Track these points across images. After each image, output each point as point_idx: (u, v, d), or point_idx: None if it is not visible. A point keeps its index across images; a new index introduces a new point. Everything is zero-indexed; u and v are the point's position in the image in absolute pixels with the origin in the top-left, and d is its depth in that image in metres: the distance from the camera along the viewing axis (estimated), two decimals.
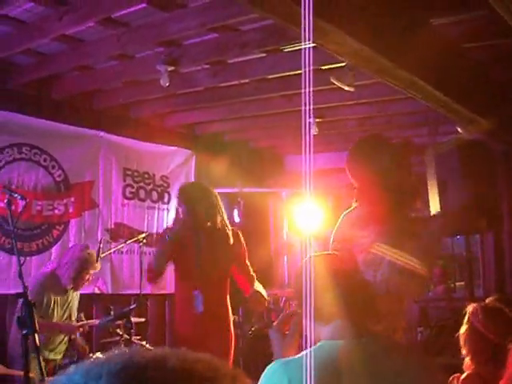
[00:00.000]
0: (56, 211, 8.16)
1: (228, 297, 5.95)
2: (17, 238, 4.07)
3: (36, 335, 3.72)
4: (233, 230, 6.11)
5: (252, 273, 6.12)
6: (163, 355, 0.92)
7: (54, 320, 6.70)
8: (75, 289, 6.94)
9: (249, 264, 6.11)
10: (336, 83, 6.43)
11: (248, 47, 6.44)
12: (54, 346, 6.78)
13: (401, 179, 4.25)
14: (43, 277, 6.83)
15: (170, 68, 6.75)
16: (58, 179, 8.22)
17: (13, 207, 4.59)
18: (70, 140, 8.37)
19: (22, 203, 7.21)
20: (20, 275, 3.95)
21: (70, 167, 8.34)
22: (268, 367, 2.50)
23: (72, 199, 8.32)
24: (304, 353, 2.45)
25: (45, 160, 8.11)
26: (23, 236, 7.74)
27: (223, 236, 5.92)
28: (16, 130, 7.89)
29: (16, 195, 4.19)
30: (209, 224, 5.81)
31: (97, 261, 7.22)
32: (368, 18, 4.57)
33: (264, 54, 6.96)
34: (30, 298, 6.03)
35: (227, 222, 6.07)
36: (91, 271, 6.92)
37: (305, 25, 2.98)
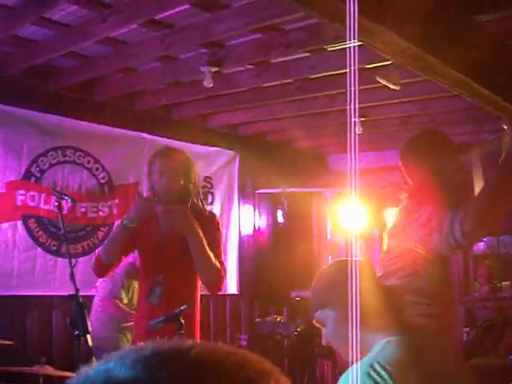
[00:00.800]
0: (100, 213, 8.21)
1: (198, 292, 4.96)
2: (67, 241, 4.06)
3: (88, 336, 3.74)
4: (210, 213, 5.19)
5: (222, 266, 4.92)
6: (189, 346, 0.96)
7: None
8: None
9: (222, 257, 4.98)
10: (382, 82, 6.37)
11: (292, 47, 6.40)
12: None
13: (456, 177, 4.19)
14: (129, 263, 6.88)
15: (214, 69, 6.75)
16: (102, 181, 8.27)
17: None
18: (113, 142, 8.43)
19: (67, 205, 7.34)
20: (72, 277, 3.97)
21: (114, 169, 8.39)
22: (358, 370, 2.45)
23: (116, 201, 8.36)
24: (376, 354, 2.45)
25: (88, 162, 8.17)
26: (68, 238, 7.75)
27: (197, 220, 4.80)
28: (60, 133, 7.95)
29: (66, 197, 4.19)
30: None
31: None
32: (414, 16, 4.51)
33: (307, 54, 6.92)
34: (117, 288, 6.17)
35: (204, 203, 5.22)
36: None
37: (350, 24, 2.93)
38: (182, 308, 4.64)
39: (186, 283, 4.84)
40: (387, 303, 2.69)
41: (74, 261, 7.73)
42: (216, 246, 4.87)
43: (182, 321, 4.25)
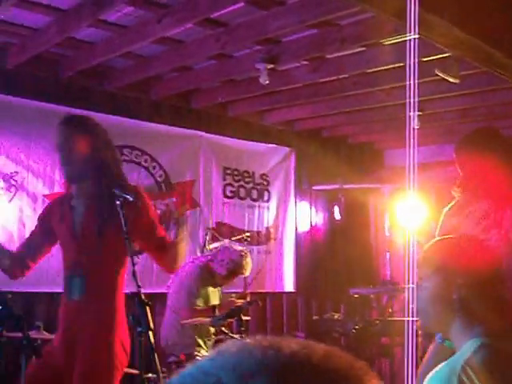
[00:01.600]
0: (158, 211, 8.25)
1: (122, 281, 4.62)
2: (129, 239, 4.08)
3: (150, 333, 3.76)
4: (135, 187, 4.83)
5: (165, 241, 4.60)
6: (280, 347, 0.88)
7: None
8: (221, 285, 7.21)
9: (160, 232, 4.60)
10: (441, 75, 6.29)
11: (347, 42, 6.37)
12: None
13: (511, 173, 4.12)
14: (199, 267, 7.01)
15: (270, 66, 6.74)
16: (159, 179, 8.34)
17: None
18: (169, 140, 8.49)
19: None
20: (134, 274, 3.98)
21: (171, 167, 8.45)
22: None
23: (173, 199, 8.41)
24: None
25: (146, 161, 8.24)
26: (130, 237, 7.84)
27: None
28: (117, 133, 7.96)
29: (127, 196, 4.20)
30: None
31: (202, 252, 7.35)
32: (473, 9, 4.45)
33: (363, 48, 6.87)
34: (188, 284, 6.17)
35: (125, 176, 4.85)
36: (240, 275, 7.15)
37: (410, 18, 2.90)
38: (244, 304, 4.66)
39: (108, 272, 4.51)
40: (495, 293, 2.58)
41: (135, 259, 7.86)
42: (155, 225, 4.58)
43: (243, 317, 4.24)
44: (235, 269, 6.93)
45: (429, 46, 4.84)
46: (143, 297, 3.84)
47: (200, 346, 6.90)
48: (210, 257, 7.15)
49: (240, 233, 8.48)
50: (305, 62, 7.40)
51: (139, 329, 3.73)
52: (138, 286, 3.88)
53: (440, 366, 2.49)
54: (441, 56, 6.18)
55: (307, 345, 0.89)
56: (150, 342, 3.71)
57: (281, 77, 7.52)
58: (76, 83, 7.78)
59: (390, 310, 8.74)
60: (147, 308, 3.79)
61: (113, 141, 7.84)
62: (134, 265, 3.98)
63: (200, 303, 6.89)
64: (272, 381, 0.82)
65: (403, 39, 5.77)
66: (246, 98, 8.57)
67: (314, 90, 8.13)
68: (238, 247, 7.28)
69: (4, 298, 3.16)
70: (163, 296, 7.31)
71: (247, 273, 7.10)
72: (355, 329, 8.45)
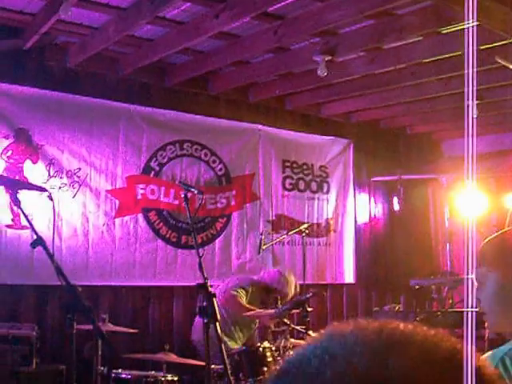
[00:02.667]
0: (218, 204, 8.35)
1: None
2: (195, 231, 4.15)
3: (217, 324, 3.81)
4: None
5: None
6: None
7: None
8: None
9: None
10: (501, 62, 6.22)
11: (405, 31, 6.34)
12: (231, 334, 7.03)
13: None
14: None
15: (327, 57, 6.74)
16: (219, 173, 8.42)
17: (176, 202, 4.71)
18: (228, 134, 8.57)
19: (198, 197, 7.52)
20: (200, 266, 4.04)
21: (230, 161, 8.53)
22: None
23: (233, 192, 8.49)
24: None
25: (205, 155, 8.33)
26: (188, 229, 7.96)
27: None
28: (177, 127, 8.14)
29: (192, 189, 4.27)
30: None
31: (259, 253, 7.36)
32: None
33: (421, 38, 6.83)
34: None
35: None
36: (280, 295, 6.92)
37: (469, 4, 2.87)
38: (308, 296, 4.69)
39: None
40: None
41: (201, 250, 7.97)
42: None
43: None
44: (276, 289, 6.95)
45: (487, 33, 4.80)
46: (210, 288, 3.89)
47: (233, 338, 6.94)
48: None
49: (299, 225, 8.50)
50: (362, 53, 7.38)
51: (206, 320, 3.78)
52: (205, 278, 3.93)
53: (487, 353, 2.45)
54: (501, 43, 6.12)
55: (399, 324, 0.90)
56: (217, 333, 3.75)
57: (338, 68, 7.51)
58: (136, 80, 7.90)
59: (451, 301, 8.68)
60: (214, 299, 3.84)
61: (173, 135, 8.00)
62: (199, 257, 4.04)
63: (241, 294, 6.97)
64: (375, 360, 0.82)
65: (462, 27, 5.76)
66: (304, 90, 8.58)
67: (372, 81, 8.11)
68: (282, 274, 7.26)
69: (74, 290, 3.24)
70: None
71: (290, 293, 6.99)
72: (416, 320, 8.40)
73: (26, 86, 7.25)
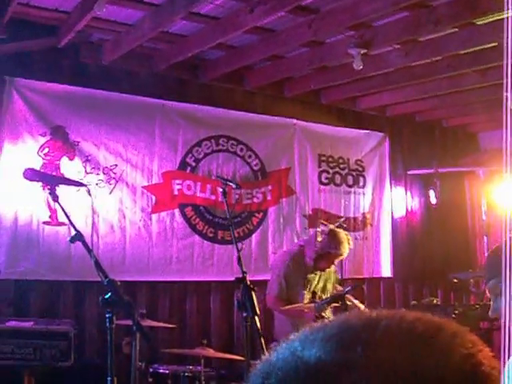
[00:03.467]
0: (255, 199, 8.35)
1: None
2: (233, 225, 4.14)
3: (256, 318, 3.80)
4: None
5: None
6: (377, 316, 0.89)
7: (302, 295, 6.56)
8: (314, 271, 6.57)
9: None
10: None
11: (441, 23, 6.27)
12: None
13: None
14: (289, 254, 6.71)
15: (363, 51, 6.70)
16: (255, 168, 8.42)
17: (212, 197, 4.70)
18: (264, 129, 8.56)
19: (234, 192, 7.55)
20: (239, 260, 4.04)
21: (266, 156, 8.52)
22: None
23: (269, 187, 8.49)
24: None
25: (241, 150, 8.33)
26: (224, 225, 7.99)
27: None
28: (212, 123, 8.15)
29: (231, 183, 4.27)
30: None
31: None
32: None
33: (456, 29, 6.76)
34: (278, 273, 6.20)
35: None
36: (335, 257, 6.50)
37: None
38: (347, 289, 4.66)
39: None
40: None
41: (229, 246, 7.99)
42: None
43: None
44: (324, 251, 6.38)
45: None
46: (249, 282, 3.88)
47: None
48: (302, 242, 6.87)
49: (336, 219, 8.48)
50: (397, 46, 7.32)
51: (245, 314, 3.78)
52: (244, 272, 3.93)
53: None
54: None
55: (399, 313, 0.90)
56: (257, 327, 3.75)
57: (373, 62, 7.47)
58: (170, 76, 7.93)
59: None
60: (253, 293, 3.83)
61: (209, 131, 8.02)
62: (238, 251, 4.04)
63: (293, 290, 6.62)
64: (369, 352, 0.82)
65: (498, 17, 5.69)
66: (339, 84, 8.55)
67: (407, 73, 8.04)
68: (330, 227, 6.74)
69: (113, 284, 3.25)
70: (260, 283, 7.37)
71: (343, 253, 6.43)
72: (455, 314, 8.35)
73: (62, 84, 7.31)
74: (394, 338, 0.84)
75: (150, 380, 6.25)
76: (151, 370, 6.30)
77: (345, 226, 8.42)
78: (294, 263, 6.51)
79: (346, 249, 6.36)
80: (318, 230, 6.73)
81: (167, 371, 6.30)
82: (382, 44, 7.01)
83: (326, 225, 7.17)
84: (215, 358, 6.93)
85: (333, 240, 6.36)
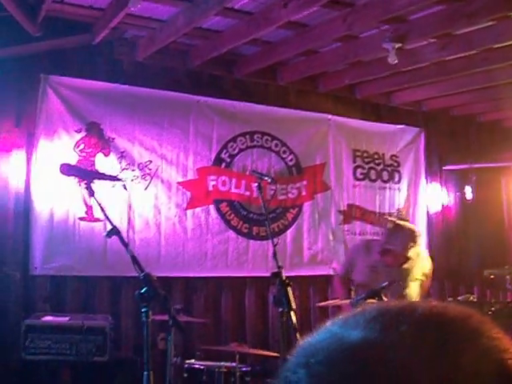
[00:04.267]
0: (290, 195, 8.34)
1: None
2: (269, 220, 4.13)
3: (292, 313, 3.78)
4: None
5: None
6: (413, 304, 0.94)
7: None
8: (383, 264, 6.15)
9: None
10: None
11: (476, 16, 6.21)
12: None
13: None
14: (364, 240, 6.51)
15: (397, 45, 6.65)
16: (289, 163, 8.40)
17: (247, 193, 4.70)
18: (298, 124, 8.54)
19: (269, 188, 7.52)
20: (274, 255, 4.03)
21: (301, 151, 8.50)
22: None
23: (304, 182, 8.47)
24: None
25: (276, 145, 8.33)
26: (259, 220, 8.00)
27: None
28: (247, 119, 8.15)
29: (266, 177, 4.25)
30: None
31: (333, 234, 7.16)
32: None
33: (492, 22, 6.68)
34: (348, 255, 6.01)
35: None
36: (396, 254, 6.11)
37: None
38: (384, 284, 4.62)
39: None
40: None
41: (264, 242, 7.99)
42: None
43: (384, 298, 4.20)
44: (386, 246, 6.08)
45: None
46: (284, 277, 3.87)
47: None
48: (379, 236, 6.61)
49: (371, 215, 8.45)
50: (432, 40, 7.26)
51: (280, 309, 3.77)
52: (279, 267, 3.91)
53: None
54: None
55: (430, 302, 0.94)
56: (292, 322, 3.73)
57: (408, 56, 7.40)
58: (205, 72, 7.94)
59: None
60: (289, 288, 3.82)
61: (243, 127, 8.02)
62: (274, 245, 4.02)
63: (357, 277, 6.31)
64: (412, 332, 0.87)
65: None
66: (373, 79, 8.50)
67: (442, 68, 7.97)
68: (409, 225, 6.48)
69: (149, 279, 3.26)
70: (295, 279, 7.35)
71: (402, 250, 6.00)
72: (491, 311, 8.27)
73: (97, 81, 7.36)
74: (430, 320, 0.89)
75: (185, 375, 6.27)
76: (186, 365, 6.32)
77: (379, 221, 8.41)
78: (363, 250, 6.33)
79: (405, 245, 5.99)
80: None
81: (202, 367, 6.31)
82: (417, 38, 6.96)
83: (392, 220, 7.04)
84: (250, 354, 6.93)
85: (391, 235, 6.20)
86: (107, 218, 3.46)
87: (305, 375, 0.87)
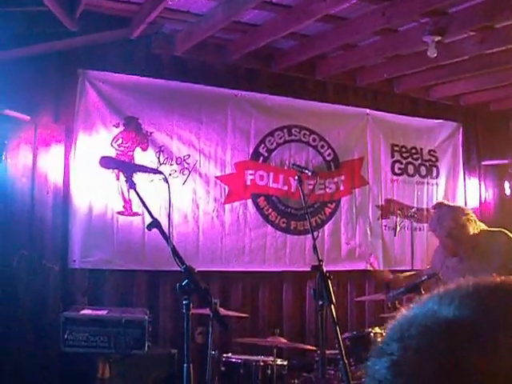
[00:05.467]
0: (327, 190, 8.31)
1: None
2: (309, 214, 4.10)
3: (333, 307, 3.77)
4: None
5: None
6: (508, 282, 0.95)
7: None
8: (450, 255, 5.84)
9: None
10: None
11: None
12: None
13: None
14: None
15: (437, 38, 6.57)
16: (327, 158, 8.38)
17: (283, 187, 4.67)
18: (336, 119, 8.51)
19: (294, 183, 7.49)
20: (314, 249, 4.01)
21: (339, 146, 8.47)
22: None
23: (342, 177, 8.43)
24: None
25: (314, 140, 8.30)
26: (297, 215, 7.99)
27: None
28: (285, 113, 8.14)
29: (306, 171, 4.23)
30: None
31: (394, 235, 7.09)
32: None
33: None
34: None
35: None
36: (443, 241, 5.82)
37: None
38: (424, 278, 4.57)
39: None
40: None
41: (302, 237, 7.98)
42: None
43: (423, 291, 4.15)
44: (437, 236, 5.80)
45: None
46: (325, 270, 3.85)
47: None
48: None
49: (408, 210, 8.40)
50: (472, 33, 7.17)
51: (320, 302, 3.75)
52: (320, 260, 3.89)
53: None
54: None
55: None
56: (333, 316, 3.71)
57: (447, 50, 7.31)
58: (242, 66, 7.94)
59: None
60: (329, 281, 3.80)
61: (281, 121, 8.00)
62: (314, 239, 4.00)
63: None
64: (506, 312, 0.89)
65: None
66: (412, 73, 8.43)
67: (482, 61, 7.87)
68: (446, 203, 6.16)
69: (190, 271, 3.25)
70: (333, 274, 7.32)
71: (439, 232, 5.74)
72: None
73: (134, 75, 7.38)
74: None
75: (223, 369, 6.29)
76: (224, 358, 6.33)
77: (416, 216, 8.36)
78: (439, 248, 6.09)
79: (443, 224, 5.64)
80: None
81: (239, 360, 6.33)
82: (457, 31, 6.86)
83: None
84: (286, 348, 6.92)
85: (430, 222, 5.99)
86: (148, 210, 3.46)
87: (398, 348, 0.91)
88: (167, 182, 3.41)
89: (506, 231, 5.54)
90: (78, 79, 7.09)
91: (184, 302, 3.26)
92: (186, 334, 3.32)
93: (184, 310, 3.29)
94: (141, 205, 3.55)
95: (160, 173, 3.59)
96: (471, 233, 5.57)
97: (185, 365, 3.35)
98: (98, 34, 7.02)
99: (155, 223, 3.38)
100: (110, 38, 7.16)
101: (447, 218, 5.63)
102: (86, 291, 7.04)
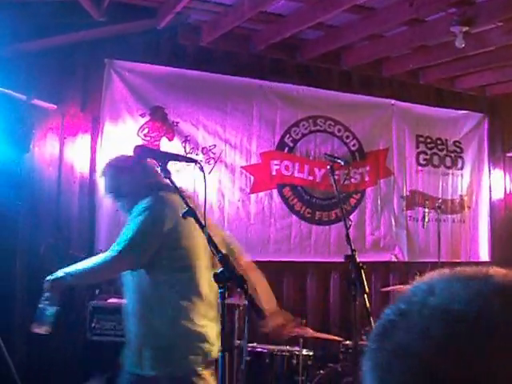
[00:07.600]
0: (352, 180, 8.31)
1: None
2: (341, 202, 4.10)
3: (366, 297, 3.76)
4: None
5: None
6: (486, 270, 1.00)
7: None
8: None
9: None
10: None
11: None
12: None
13: None
14: None
15: (465, 28, 6.53)
16: (352, 149, 8.37)
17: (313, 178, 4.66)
18: (361, 109, 8.50)
19: (320, 172, 7.48)
20: (347, 238, 4.00)
21: (364, 136, 8.46)
22: None
23: (367, 168, 8.43)
24: None
25: (339, 130, 8.29)
26: (322, 205, 8.01)
27: None
28: (310, 103, 8.13)
29: (338, 160, 4.23)
30: None
31: (423, 227, 7.06)
32: None
33: None
34: None
35: None
36: None
37: None
38: None
39: None
40: None
41: (326, 228, 7.98)
42: None
43: None
44: None
45: None
46: (358, 260, 3.84)
47: None
48: None
49: (434, 201, 8.38)
50: (500, 24, 7.12)
51: (353, 292, 3.75)
52: (353, 250, 3.89)
53: None
54: None
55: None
56: (366, 306, 3.71)
57: (474, 40, 7.26)
58: (268, 56, 7.93)
59: None
60: (362, 271, 3.79)
61: (306, 111, 7.98)
62: (347, 228, 4.00)
63: None
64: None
65: None
66: (438, 64, 8.39)
67: (509, 52, 7.81)
68: None
69: (226, 260, 3.25)
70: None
71: None
72: None
73: (161, 65, 7.40)
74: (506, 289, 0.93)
75: (248, 358, 6.30)
76: (249, 348, 6.35)
77: (442, 207, 8.34)
78: None
79: None
80: None
81: (265, 350, 6.34)
82: (484, 21, 6.80)
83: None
84: (311, 339, 6.93)
85: None
86: (183, 198, 3.46)
87: (399, 318, 0.96)
88: (202, 170, 3.42)
89: None
90: (105, 69, 7.12)
91: (220, 291, 3.25)
92: (223, 322, 3.32)
93: (220, 299, 3.29)
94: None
95: (195, 161, 3.59)
96: None
97: (219, 353, 3.35)
98: (125, 24, 7.03)
99: (190, 212, 3.39)
100: (137, 28, 7.17)
101: None
102: (113, 280, 7.06)
